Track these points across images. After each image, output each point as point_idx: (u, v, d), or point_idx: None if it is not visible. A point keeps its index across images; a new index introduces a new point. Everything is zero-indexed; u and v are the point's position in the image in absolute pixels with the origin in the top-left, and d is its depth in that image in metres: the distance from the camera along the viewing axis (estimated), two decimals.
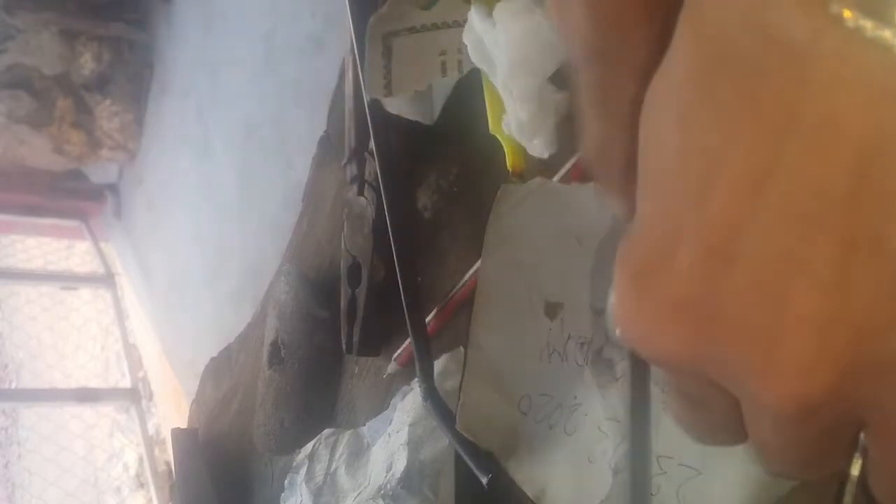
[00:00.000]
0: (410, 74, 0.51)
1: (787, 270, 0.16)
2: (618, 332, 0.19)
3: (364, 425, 0.62)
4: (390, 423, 0.58)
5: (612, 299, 0.19)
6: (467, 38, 0.49)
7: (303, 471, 0.65)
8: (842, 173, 0.15)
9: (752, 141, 0.16)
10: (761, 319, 0.16)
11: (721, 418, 0.20)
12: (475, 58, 0.49)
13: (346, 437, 0.63)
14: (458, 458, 0.50)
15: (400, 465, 0.53)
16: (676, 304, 0.17)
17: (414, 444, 0.54)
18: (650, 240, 0.18)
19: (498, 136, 0.50)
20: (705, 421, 0.21)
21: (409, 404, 0.57)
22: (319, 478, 0.64)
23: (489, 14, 0.45)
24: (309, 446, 0.66)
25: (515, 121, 0.46)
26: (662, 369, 0.19)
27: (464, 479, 0.52)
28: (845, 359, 0.16)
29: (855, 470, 0.19)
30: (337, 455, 0.63)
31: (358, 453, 0.61)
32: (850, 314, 0.15)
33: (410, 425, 0.55)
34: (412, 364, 0.59)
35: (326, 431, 0.65)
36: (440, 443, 0.52)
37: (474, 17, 0.47)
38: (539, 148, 0.46)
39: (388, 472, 0.55)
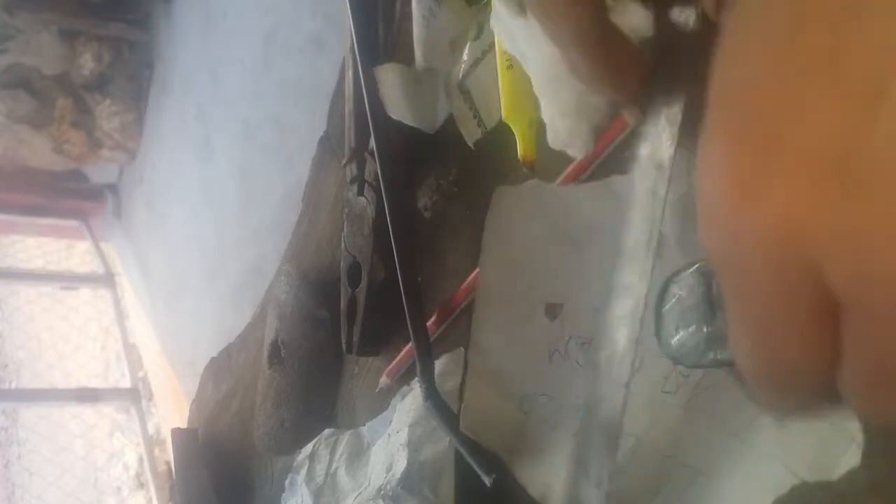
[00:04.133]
0: (494, 100, 0.51)
1: None
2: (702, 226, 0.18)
3: (364, 425, 0.62)
4: (390, 424, 0.58)
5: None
6: (496, 26, 0.48)
7: (303, 471, 0.65)
8: None
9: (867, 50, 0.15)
10: None
11: (799, 347, 0.18)
12: (508, 46, 0.48)
13: (346, 437, 0.63)
14: (458, 458, 0.50)
15: (400, 465, 0.53)
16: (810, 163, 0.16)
17: (414, 445, 0.54)
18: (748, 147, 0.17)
19: (511, 124, 0.50)
20: (777, 354, 0.18)
21: (409, 405, 0.57)
22: (320, 478, 0.64)
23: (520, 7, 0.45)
24: (309, 446, 0.66)
25: (552, 131, 0.45)
26: (745, 270, 0.18)
27: (463, 480, 0.52)
28: None
29: None
30: (337, 455, 0.63)
31: (358, 453, 0.61)
32: None
33: (410, 426, 0.55)
34: (404, 377, 0.59)
35: (326, 431, 0.65)
36: (440, 443, 0.52)
37: (500, 8, 0.46)
38: (575, 152, 0.46)
39: (388, 472, 0.55)
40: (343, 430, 0.64)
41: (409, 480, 0.52)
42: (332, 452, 0.64)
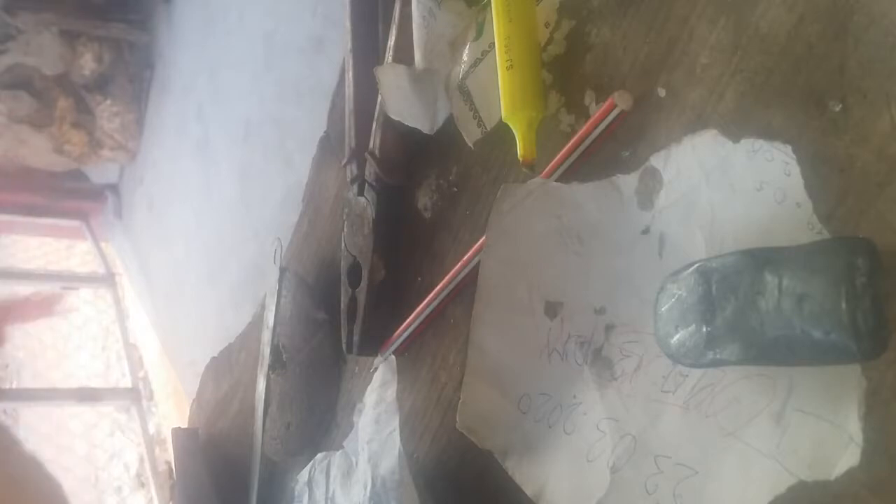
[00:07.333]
0: (494, 100, 0.52)
1: None
2: None
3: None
4: (358, 441, 0.60)
5: None
6: None
7: (305, 499, 0.66)
8: None
9: None
10: None
11: None
12: None
13: (335, 458, 0.64)
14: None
15: (369, 482, 0.55)
16: None
17: (374, 461, 0.55)
18: None
19: (511, 124, 0.50)
20: None
21: (366, 420, 0.58)
22: (321, 503, 0.64)
23: None
24: (305, 473, 0.67)
25: None
26: None
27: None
28: None
29: None
30: (332, 478, 0.64)
31: (348, 473, 0.62)
32: None
33: (368, 442, 0.56)
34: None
35: (319, 456, 0.66)
36: (392, 453, 0.53)
37: None
38: None
39: (365, 489, 0.56)
40: (332, 451, 0.65)
41: (376, 497, 0.54)
42: (327, 476, 0.64)
